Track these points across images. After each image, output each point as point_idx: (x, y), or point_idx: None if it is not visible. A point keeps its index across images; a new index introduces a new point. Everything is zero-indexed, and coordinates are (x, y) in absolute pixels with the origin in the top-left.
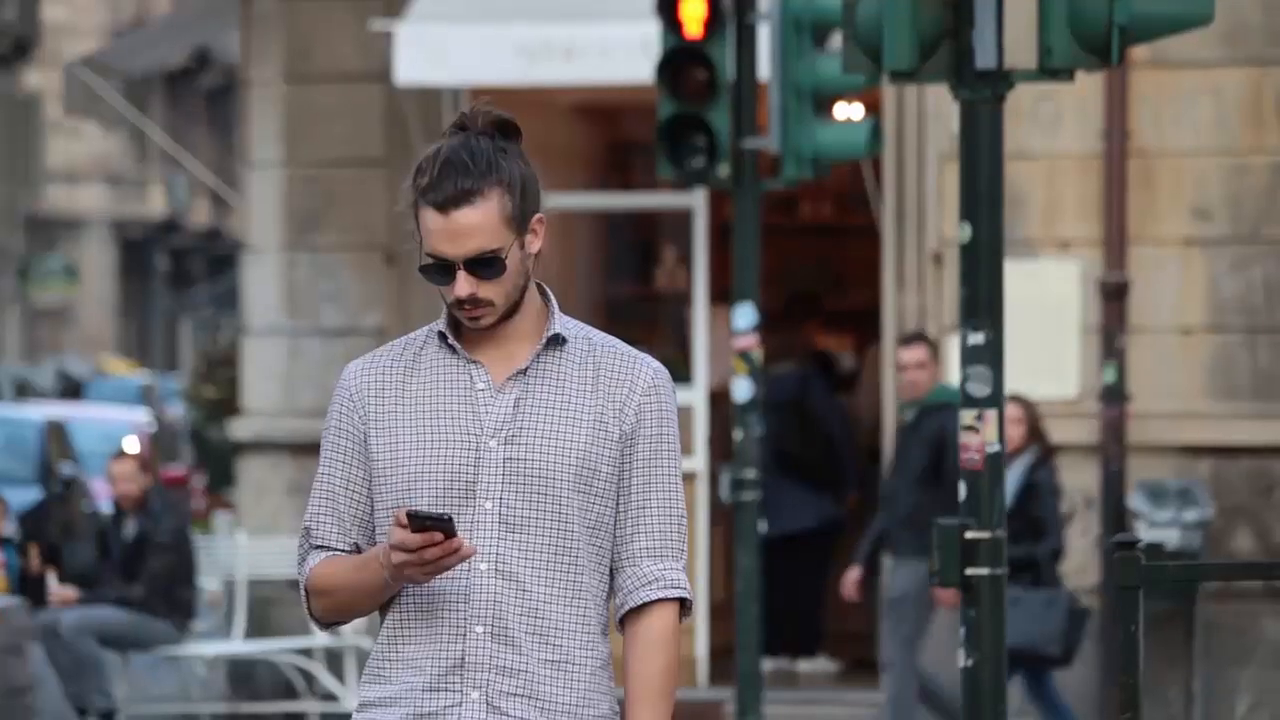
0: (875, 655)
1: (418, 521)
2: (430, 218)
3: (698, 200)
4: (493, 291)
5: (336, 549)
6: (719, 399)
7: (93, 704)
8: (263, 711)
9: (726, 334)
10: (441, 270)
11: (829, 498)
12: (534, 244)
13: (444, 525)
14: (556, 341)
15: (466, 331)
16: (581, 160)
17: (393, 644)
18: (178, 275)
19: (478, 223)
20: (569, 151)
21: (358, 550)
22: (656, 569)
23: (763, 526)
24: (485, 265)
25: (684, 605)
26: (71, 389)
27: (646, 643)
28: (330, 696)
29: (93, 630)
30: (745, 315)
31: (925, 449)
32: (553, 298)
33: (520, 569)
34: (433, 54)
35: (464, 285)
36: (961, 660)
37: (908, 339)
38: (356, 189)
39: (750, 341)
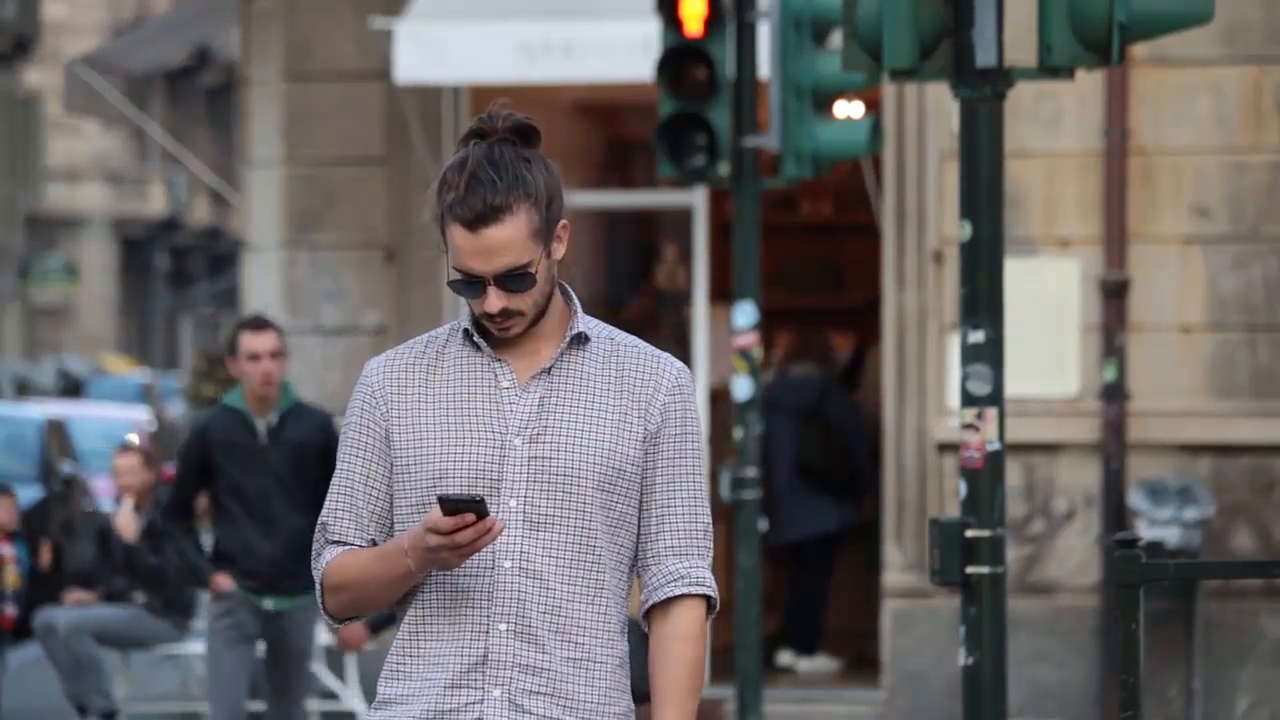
0: (875, 654)
1: (450, 505)
2: (459, 235)
3: (698, 199)
4: (522, 303)
5: (353, 545)
6: (719, 398)
7: (93, 703)
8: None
9: (727, 332)
10: (471, 285)
11: (849, 503)
12: (559, 250)
13: (476, 506)
14: (579, 341)
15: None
16: (582, 158)
17: (413, 640)
18: (178, 274)
19: (507, 240)
20: (569, 150)
21: (375, 546)
22: (681, 566)
23: (763, 525)
24: (515, 280)
25: (709, 604)
26: (72, 387)
27: (672, 639)
28: (331, 695)
29: (91, 630)
30: (745, 314)
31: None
32: (575, 297)
33: (544, 567)
34: (433, 52)
35: (495, 301)
36: (962, 659)
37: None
38: (356, 187)
39: (750, 340)
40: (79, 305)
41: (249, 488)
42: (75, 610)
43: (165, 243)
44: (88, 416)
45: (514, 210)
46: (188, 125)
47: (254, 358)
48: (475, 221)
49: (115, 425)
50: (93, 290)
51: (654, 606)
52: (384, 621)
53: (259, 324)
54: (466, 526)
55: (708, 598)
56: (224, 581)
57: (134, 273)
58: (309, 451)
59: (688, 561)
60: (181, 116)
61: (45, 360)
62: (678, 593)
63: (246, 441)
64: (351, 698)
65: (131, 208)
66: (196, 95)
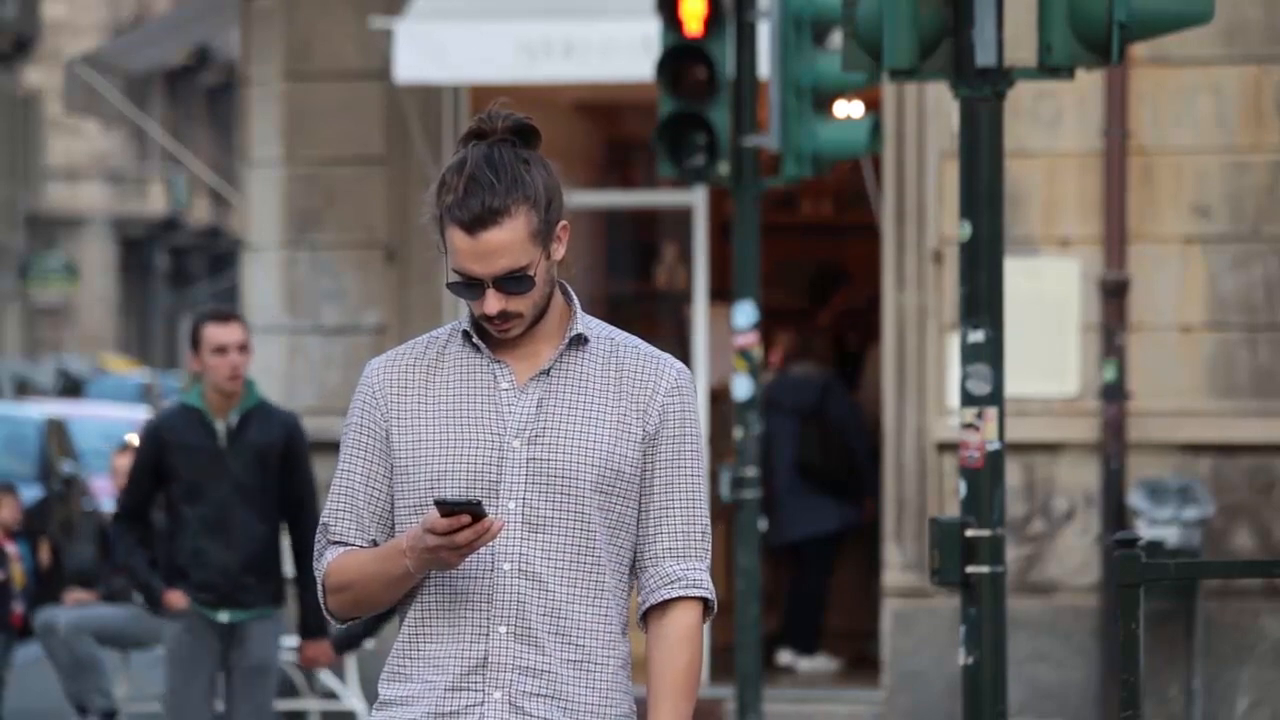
0: (875, 654)
1: (446, 508)
2: (457, 237)
3: (698, 198)
4: (521, 305)
5: (355, 545)
6: (719, 398)
7: (93, 703)
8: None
9: (726, 332)
10: (470, 287)
11: (849, 503)
12: (559, 251)
13: (473, 508)
14: (579, 341)
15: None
16: (582, 158)
17: (414, 642)
18: (178, 273)
19: (505, 243)
20: (569, 149)
21: (376, 547)
22: (679, 569)
23: (763, 525)
24: (514, 282)
25: (707, 606)
26: (71, 387)
27: (668, 641)
28: (331, 695)
29: (91, 629)
30: (745, 313)
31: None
32: (575, 298)
33: (543, 569)
34: (433, 52)
35: (494, 303)
36: (962, 659)
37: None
38: (356, 187)
39: (750, 339)
40: (79, 305)
41: (205, 493)
42: (75, 610)
43: (165, 243)
44: (88, 416)
45: (512, 213)
46: (188, 125)
47: (220, 350)
48: (474, 224)
49: (115, 425)
50: (93, 290)
51: (651, 608)
52: (351, 641)
53: (224, 316)
54: (464, 527)
55: (705, 600)
56: (177, 599)
57: (134, 272)
58: (272, 455)
59: (685, 564)
60: (181, 116)
61: (45, 360)
62: (675, 595)
63: (204, 443)
64: (351, 698)
65: (131, 208)
66: (196, 95)
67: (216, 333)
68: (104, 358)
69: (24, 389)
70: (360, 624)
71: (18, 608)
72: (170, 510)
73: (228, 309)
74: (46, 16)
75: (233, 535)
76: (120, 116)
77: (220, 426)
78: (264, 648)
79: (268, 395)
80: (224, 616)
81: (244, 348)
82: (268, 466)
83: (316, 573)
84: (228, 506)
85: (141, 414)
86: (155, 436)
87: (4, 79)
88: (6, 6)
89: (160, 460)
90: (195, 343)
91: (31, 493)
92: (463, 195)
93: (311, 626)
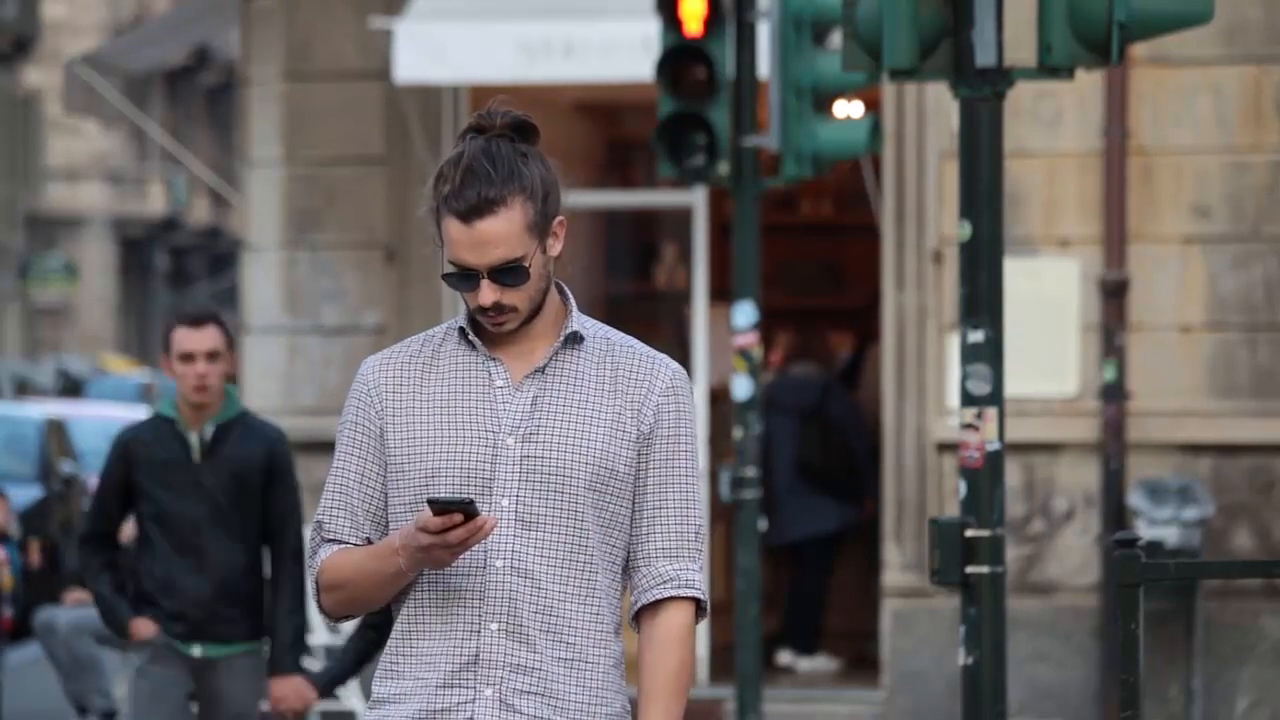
0: (875, 654)
1: (439, 506)
2: (453, 227)
3: (698, 198)
4: (516, 298)
5: (349, 543)
6: (719, 398)
7: (92, 704)
8: (262, 709)
9: (726, 332)
10: (465, 278)
11: (849, 503)
12: (555, 247)
13: (465, 507)
14: (574, 340)
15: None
16: (582, 158)
17: (406, 640)
18: (178, 273)
19: (501, 232)
20: (569, 149)
21: (370, 545)
22: (671, 569)
23: (763, 525)
24: (509, 274)
25: (699, 606)
26: (71, 387)
27: (660, 641)
28: (331, 695)
29: (91, 629)
30: (745, 313)
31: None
32: (570, 297)
33: (535, 566)
34: (432, 52)
35: (488, 294)
36: (962, 659)
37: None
38: (356, 187)
39: (750, 339)
40: (79, 305)
41: (176, 513)
42: (75, 610)
43: (165, 243)
44: (88, 416)
45: (509, 203)
46: (188, 125)
47: (187, 358)
48: (470, 214)
49: (115, 425)
50: (93, 290)
51: (643, 608)
52: (333, 682)
53: (197, 318)
54: (457, 526)
55: (698, 600)
56: (145, 628)
57: (134, 273)
58: (251, 472)
59: (678, 564)
60: (181, 116)
61: (45, 360)
62: (667, 595)
63: (176, 458)
64: (351, 697)
65: (131, 208)
66: (196, 95)
67: (185, 337)
68: (104, 358)
69: (24, 389)
70: (343, 664)
71: (6, 611)
72: (140, 532)
73: (204, 309)
74: (46, 16)
75: (205, 560)
76: (120, 116)
77: (194, 439)
78: (243, 691)
79: (267, 397)
80: (197, 651)
81: (214, 355)
82: (246, 485)
83: (310, 570)
84: (200, 528)
85: (141, 414)
86: (123, 451)
87: (4, 79)
88: (6, 6)
89: (129, 477)
90: (166, 345)
91: (31, 493)
92: (459, 185)
93: (283, 662)
